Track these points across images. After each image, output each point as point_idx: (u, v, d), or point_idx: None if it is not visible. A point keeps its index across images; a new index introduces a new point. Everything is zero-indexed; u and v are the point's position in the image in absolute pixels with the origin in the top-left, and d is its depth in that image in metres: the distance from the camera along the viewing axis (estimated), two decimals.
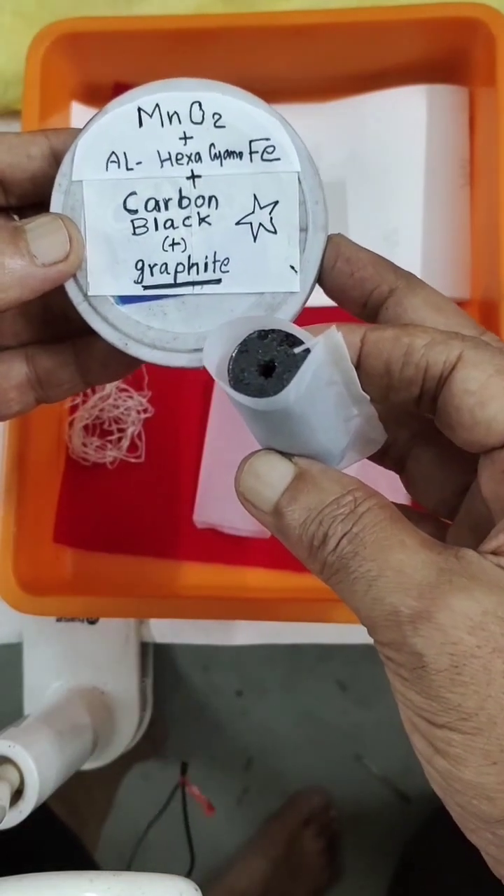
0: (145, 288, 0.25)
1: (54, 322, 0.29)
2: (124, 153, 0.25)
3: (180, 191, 0.25)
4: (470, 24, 0.47)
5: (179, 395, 0.53)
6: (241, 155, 0.25)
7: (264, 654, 1.11)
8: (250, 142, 0.25)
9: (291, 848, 1.06)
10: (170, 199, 0.25)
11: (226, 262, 0.25)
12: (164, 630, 0.54)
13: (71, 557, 0.53)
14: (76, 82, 0.53)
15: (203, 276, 0.25)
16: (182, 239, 0.25)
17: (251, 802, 1.12)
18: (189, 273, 0.25)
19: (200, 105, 0.25)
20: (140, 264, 0.25)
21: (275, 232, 0.24)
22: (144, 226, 0.25)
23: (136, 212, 0.25)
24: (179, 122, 0.25)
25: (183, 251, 0.25)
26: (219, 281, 0.25)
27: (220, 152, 0.25)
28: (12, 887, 0.38)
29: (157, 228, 0.25)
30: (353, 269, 0.24)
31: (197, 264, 0.25)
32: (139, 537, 0.52)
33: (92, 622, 0.53)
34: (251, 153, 0.25)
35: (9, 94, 0.53)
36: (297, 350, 0.21)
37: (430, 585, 0.19)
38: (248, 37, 0.49)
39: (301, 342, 0.21)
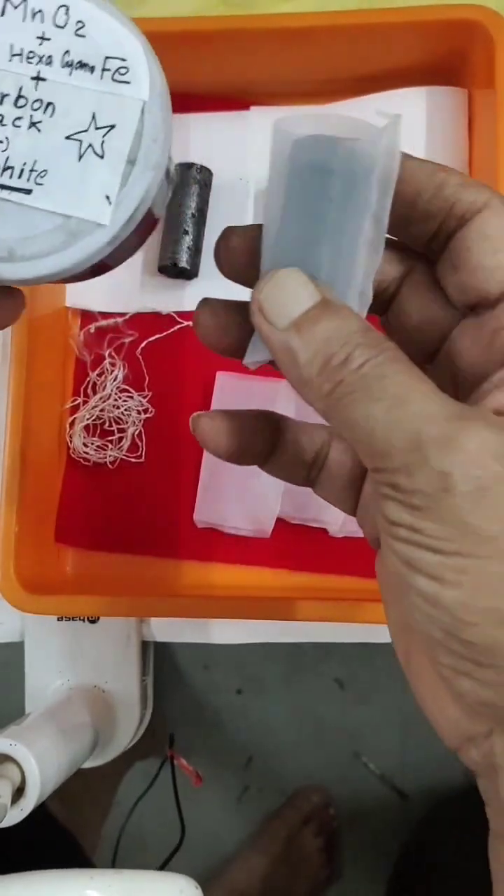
0: None
1: None
2: None
3: (20, 89, 0.23)
4: (469, 26, 0.47)
5: (180, 395, 0.53)
6: (92, 69, 0.23)
7: (264, 652, 1.11)
8: (105, 58, 0.23)
9: (291, 845, 1.06)
10: (6, 95, 0.24)
11: (42, 174, 0.23)
12: (165, 629, 0.54)
13: (72, 557, 0.53)
14: None
15: (14, 182, 0.23)
16: (6, 138, 0.23)
17: (251, 800, 1.13)
18: (1, 176, 0.23)
19: (67, 10, 0.24)
20: None
21: (101, 156, 0.23)
22: None
23: None
24: (42, 21, 0.24)
25: (3, 151, 0.23)
26: (29, 191, 0.23)
27: (72, 61, 0.24)
28: (14, 885, 0.39)
29: None
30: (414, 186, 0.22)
31: (12, 168, 0.23)
32: (140, 537, 0.52)
33: (93, 621, 0.53)
34: (103, 70, 0.23)
35: None
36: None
37: (454, 416, 0.18)
38: (247, 39, 0.49)
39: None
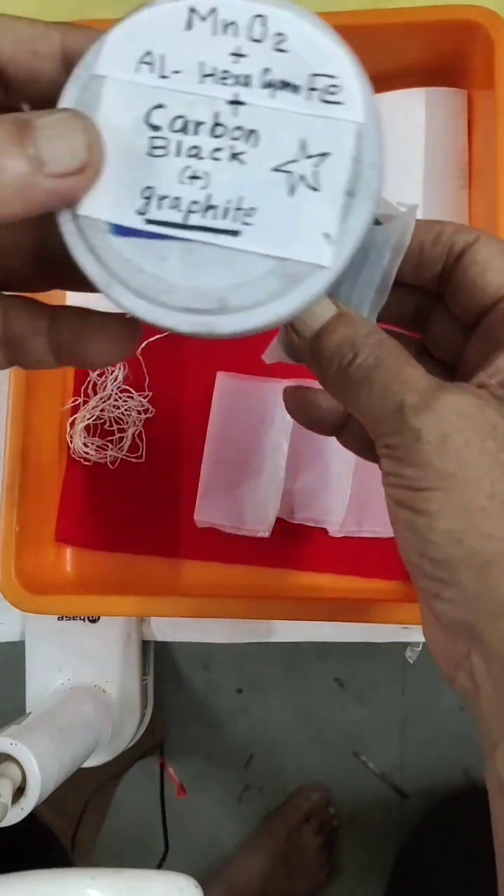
0: (148, 222, 0.21)
1: (48, 266, 0.25)
2: (162, 56, 0.21)
3: (217, 115, 0.21)
4: (468, 27, 0.47)
5: (180, 395, 0.53)
6: (297, 89, 0.21)
7: (264, 652, 1.11)
8: (312, 76, 0.21)
9: (291, 844, 1.06)
10: (202, 124, 0.21)
11: (250, 213, 0.21)
12: (165, 628, 0.54)
13: (72, 556, 0.53)
14: None
15: (219, 223, 0.21)
16: (205, 173, 0.21)
17: (251, 799, 1.13)
18: (204, 216, 0.21)
19: (265, 21, 0.20)
20: (148, 192, 0.21)
21: (317, 189, 0.20)
22: (165, 147, 0.21)
23: (158, 128, 0.21)
24: (236, 34, 0.21)
25: (203, 188, 0.21)
26: (237, 233, 0.21)
27: (274, 81, 0.21)
28: (15, 885, 0.39)
29: (178, 154, 0.21)
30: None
31: (216, 207, 0.21)
32: (140, 536, 0.52)
33: (93, 620, 0.53)
34: (310, 90, 0.21)
35: None
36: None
37: (431, 388, 0.23)
38: None
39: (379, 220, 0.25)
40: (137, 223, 0.21)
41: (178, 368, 0.53)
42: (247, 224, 0.21)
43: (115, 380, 0.53)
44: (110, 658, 0.54)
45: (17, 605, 0.46)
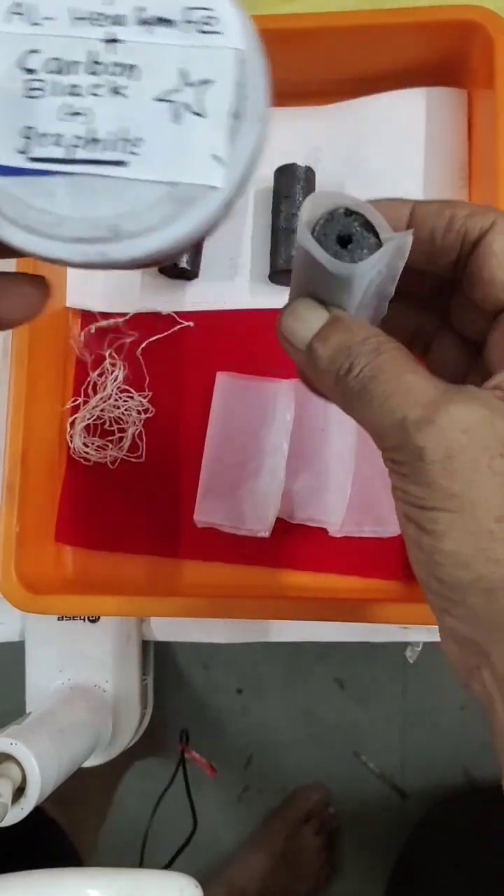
0: (32, 160, 0.21)
1: None
2: (32, 5, 0.21)
3: (93, 54, 0.21)
4: (468, 26, 0.47)
5: (180, 395, 0.53)
6: (173, 23, 0.21)
7: (264, 652, 1.11)
8: (187, 9, 0.21)
9: (291, 844, 1.06)
10: (79, 63, 0.21)
11: (137, 143, 0.21)
12: (165, 628, 0.54)
13: (72, 556, 0.53)
14: None
15: (106, 155, 0.21)
16: (87, 109, 0.21)
17: (251, 799, 1.13)
18: (88, 149, 0.21)
19: None
20: (28, 132, 0.21)
21: (202, 115, 0.21)
22: (41, 88, 0.21)
23: (34, 71, 0.21)
24: None
25: (84, 123, 0.21)
26: (124, 163, 0.21)
27: (148, 17, 0.21)
28: (15, 884, 0.39)
29: (56, 93, 0.21)
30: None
31: (101, 141, 0.21)
32: (140, 536, 0.52)
33: (93, 620, 0.53)
34: (187, 22, 0.21)
35: None
36: (373, 238, 0.24)
37: (434, 400, 0.22)
38: None
39: (375, 231, 0.24)
40: (20, 162, 0.21)
41: (178, 368, 0.53)
42: (134, 154, 0.21)
43: (115, 380, 0.53)
44: (110, 658, 0.54)
45: (18, 605, 0.46)
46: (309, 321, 0.25)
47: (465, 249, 0.25)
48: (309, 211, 0.24)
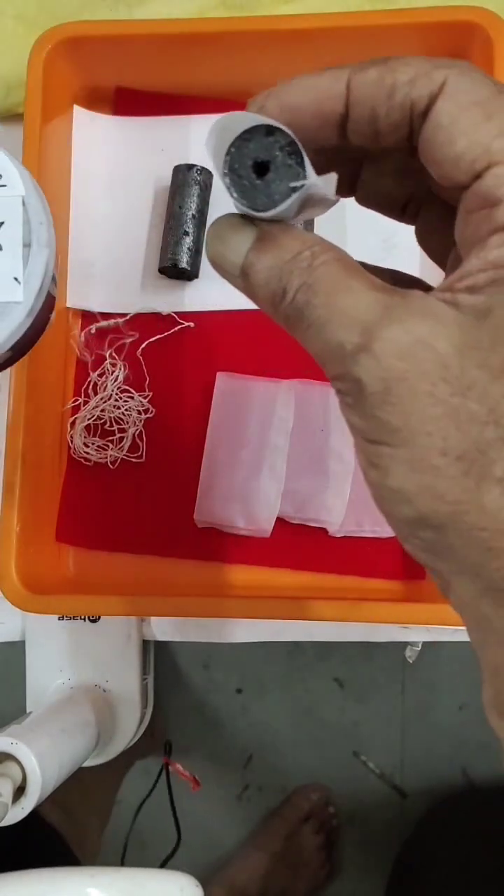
0: None
1: None
2: None
3: None
4: (467, 27, 0.47)
5: (180, 395, 0.53)
6: None
7: (264, 651, 1.11)
8: None
9: (290, 843, 1.06)
10: None
11: None
12: (165, 628, 0.54)
13: (73, 556, 0.53)
14: (78, 86, 0.53)
15: None
16: None
17: (251, 799, 1.13)
18: None
19: None
20: None
21: (1, 248, 0.28)
22: None
23: None
24: None
25: None
26: None
27: None
28: (15, 884, 0.39)
29: None
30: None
31: None
32: (140, 536, 0.52)
33: (93, 620, 0.54)
34: None
35: (11, 98, 0.53)
36: (296, 168, 0.20)
37: (372, 322, 0.20)
38: (248, 41, 0.49)
39: (300, 153, 0.20)
40: None
41: (178, 368, 0.53)
42: None
43: (116, 380, 0.53)
44: (110, 658, 0.54)
45: (18, 604, 0.46)
46: (236, 244, 0.22)
47: (415, 124, 0.21)
48: (214, 136, 0.21)
